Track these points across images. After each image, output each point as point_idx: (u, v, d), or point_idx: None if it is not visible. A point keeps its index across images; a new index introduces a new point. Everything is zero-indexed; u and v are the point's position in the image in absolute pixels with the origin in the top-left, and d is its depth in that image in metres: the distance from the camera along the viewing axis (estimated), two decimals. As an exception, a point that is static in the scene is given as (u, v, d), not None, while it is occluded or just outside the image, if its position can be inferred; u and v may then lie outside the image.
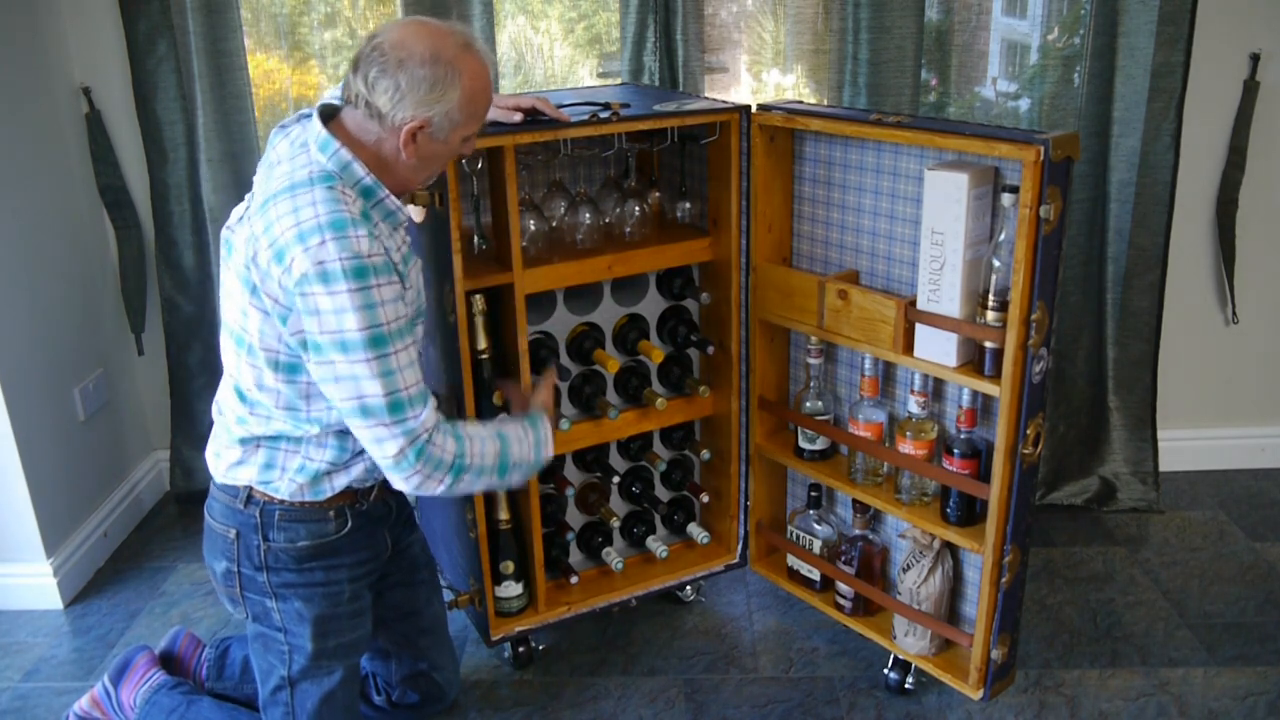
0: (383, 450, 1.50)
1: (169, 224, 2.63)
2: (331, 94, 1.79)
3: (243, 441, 1.62)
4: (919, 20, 2.42)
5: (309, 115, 1.57)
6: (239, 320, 1.55)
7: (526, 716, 2.07)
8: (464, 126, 1.53)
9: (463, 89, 1.48)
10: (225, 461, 1.65)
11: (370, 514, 1.71)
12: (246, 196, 1.59)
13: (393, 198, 1.55)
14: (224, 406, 1.65)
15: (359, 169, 1.51)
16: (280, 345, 1.51)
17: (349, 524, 1.67)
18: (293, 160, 1.52)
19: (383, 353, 1.45)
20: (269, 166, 1.56)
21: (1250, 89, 2.55)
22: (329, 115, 1.55)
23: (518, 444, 1.64)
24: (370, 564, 1.74)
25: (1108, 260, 2.59)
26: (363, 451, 1.63)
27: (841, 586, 2.15)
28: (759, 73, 2.68)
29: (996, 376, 1.74)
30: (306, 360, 1.49)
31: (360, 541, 1.70)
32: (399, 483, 1.54)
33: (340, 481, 1.63)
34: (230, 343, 1.59)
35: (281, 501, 1.62)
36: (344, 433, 1.60)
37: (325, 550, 1.66)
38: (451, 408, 1.92)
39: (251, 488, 1.62)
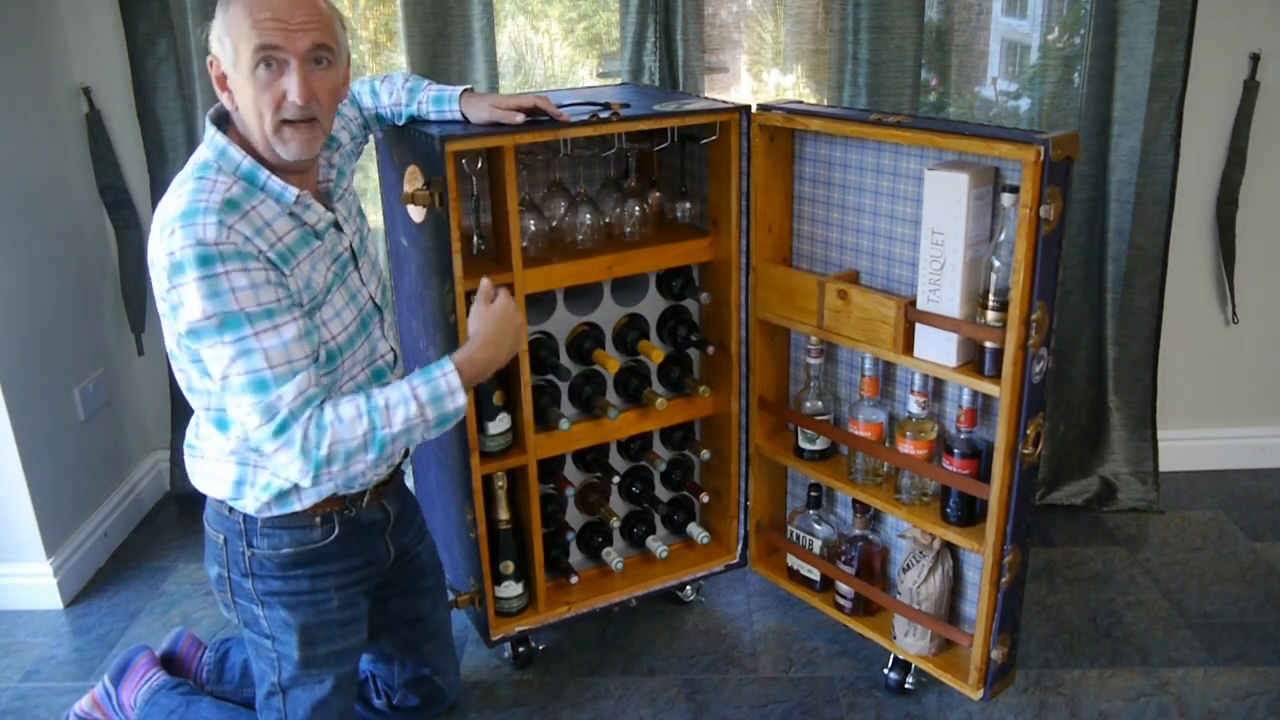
0: (249, 424, 1.43)
1: (169, 224, 2.62)
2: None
3: (204, 455, 1.60)
4: (919, 20, 2.42)
5: None
6: (165, 329, 1.53)
7: (526, 716, 2.07)
8: (240, 42, 1.41)
9: (233, 8, 1.42)
10: (198, 474, 1.63)
11: (361, 520, 1.68)
12: None
13: (276, 179, 1.48)
14: (196, 417, 1.64)
15: (235, 153, 1.47)
16: (182, 351, 1.49)
17: (336, 531, 1.64)
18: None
19: (238, 335, 1.39)
20: None
21: (1250, 89, 2.55)
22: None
23: (401, 408, 1.48)
24: (361, 572, 1.70)
25: (1108, 260, 2.59)
26: None
27: (841, 586, 2.15)
28: (759, 73, 2.68)
29: (996, 376, 1.74)
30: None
31: (350, 549, 1.67)
32: (269, 461, 1.46)
33: (309, 494, 1.59)
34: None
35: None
36: None
37: (310, 558, 1.63)
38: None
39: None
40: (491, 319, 1.61)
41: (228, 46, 1.43)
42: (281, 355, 1.42)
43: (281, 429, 1.42)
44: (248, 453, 1.55)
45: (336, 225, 1.59)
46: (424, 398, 1.50)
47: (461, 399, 1.53)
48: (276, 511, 1.59)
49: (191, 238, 1.37)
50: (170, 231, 1.39)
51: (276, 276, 1.44)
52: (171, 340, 1.51)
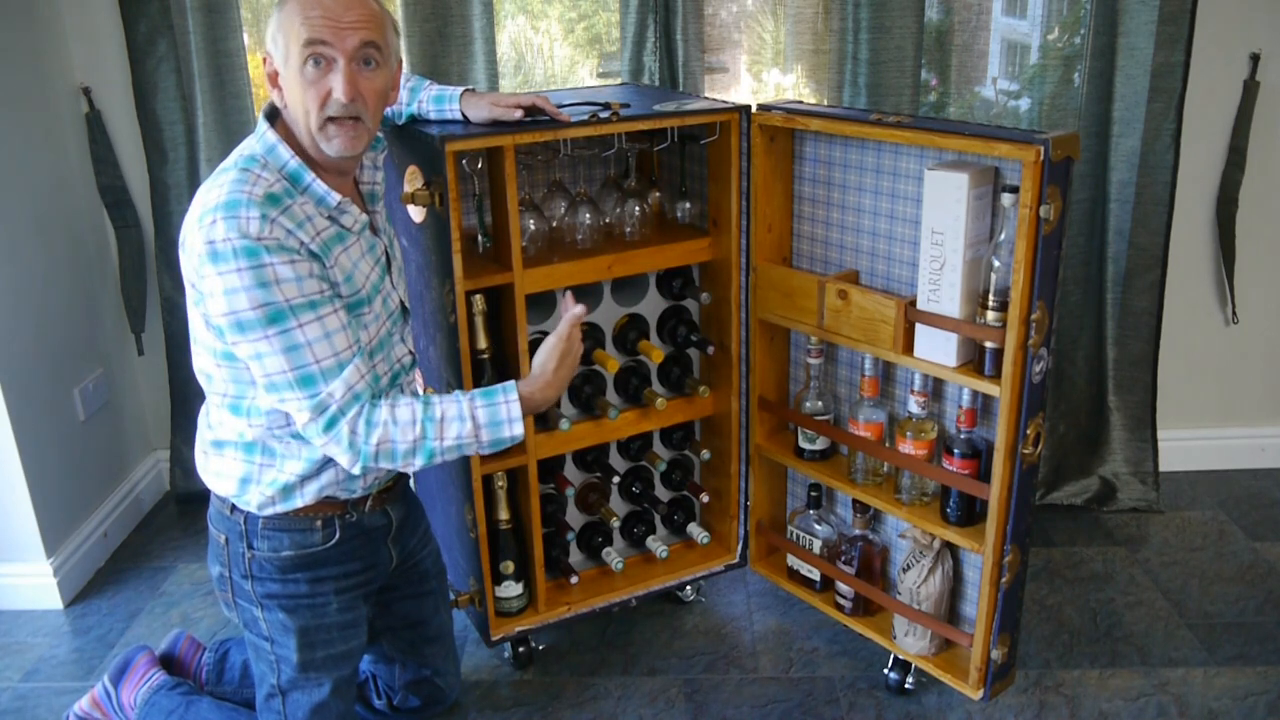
0: (298, 419, 1.48)
1: (169, 224, 2.63)
2: None
3: (217, 445, 1.60)
4: (919, 20, 2.42)
5: None
6: (188, 310, 1.54)
7: (526, 716, 2.07)
8: (291, 38, 1.44)
9: (288, 6, 1.45)
10: (206, 470, 1.64)
11: (363, 525, 1.67)
12: None
13: (321, 182, 1.50)
14: (207, 405, 1.65)
15: (284, 151, 1.48)
16: (209, 332, 1.49)
17: (337, 535, 1.63)
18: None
19: (284, 328, 1.41)
20: None
21: (1250, 89, 2.55)
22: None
23: (456, 424, 1.51)
24: (361, 576, 1.70)
25: (1108, 260, 2.59)
26: (332, 460, 1.59)
27: (841, 586, 2.15)
28: (759, 73, 2.68)
29: (996, 376, 1.74)
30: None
31: (350, 553, 1.66)
32: (323, 451, 1.51)
33: (310, 489, 1.59)
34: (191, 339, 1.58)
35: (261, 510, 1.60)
36: (301, 439, 1.57)
37: (309, 561, 1.63)
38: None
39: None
40: (568, 362, 1.61)
41: (280, 43, 1.46)
42: (327, 349, 1.44)
43: (330, 425, 1.46)
44: (267, 438, 1.55)
45: (373, 228, 1.61)
46: (481, 420, 1.53)
47: (519, 429, 1.55)
48: (280, 508, 1.59)
49: (235, 230, 1.38)
50: (212, 221, 1.39)
51: (319, 269, 1.46)
52: (199, 324, 1.50)
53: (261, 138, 1.50)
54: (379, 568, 1.74)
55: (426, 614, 1.88)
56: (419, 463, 1.52)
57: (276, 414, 1.54)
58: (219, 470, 1.61)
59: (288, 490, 1.58)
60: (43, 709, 2.13)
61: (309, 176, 1.50)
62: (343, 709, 1.74)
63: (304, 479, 1.58)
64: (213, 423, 1.61)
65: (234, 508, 1.61)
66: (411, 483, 2.48)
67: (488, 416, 1.53)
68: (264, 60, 1.50)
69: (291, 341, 1.42)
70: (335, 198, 1.51)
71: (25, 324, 2.36)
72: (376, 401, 1.50)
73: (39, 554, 2.41)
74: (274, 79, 1.50)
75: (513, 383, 1.57)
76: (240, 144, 1.55)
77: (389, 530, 1.74)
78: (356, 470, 1.50)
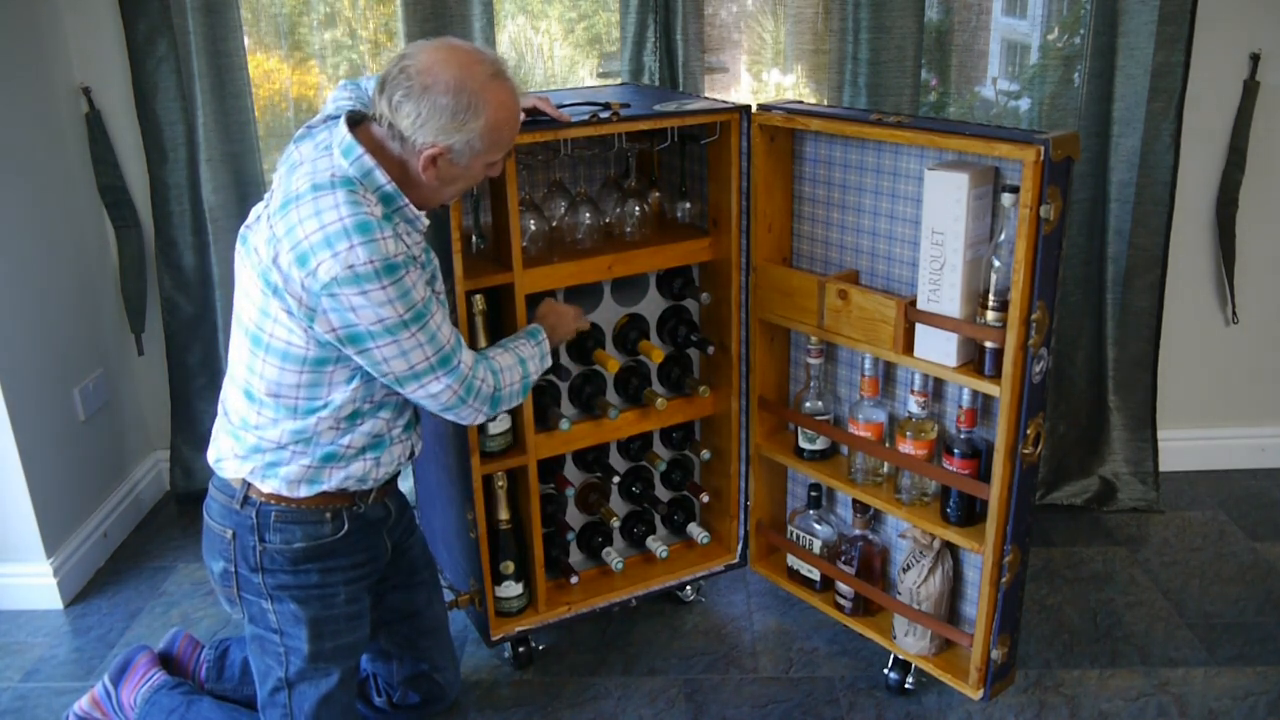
0: (439, 400, 1.60)
1: (169, 224, 2.63)
2: (335, 95, 1.80)
3: (249, 447, 1.61)
4: (919, 20, 2.42)
5: (336, 119, 1.59)
6: (257, 319, 1.55)
7: (526, 716, 2.07)
8: (487, 154, 1.57)
9: (486, 119, 1.52)
10: (228, 461, 1.65)
11: (367, 517, 1.71)
12: (265, 196, 1.60)
13: (412, 207, 1.57)
14: (229, 407, 1.65)
15: (380, 176, 1.53)
16: (307, 342, 1.53)
17: (345, 526, 1.67)
18: (314, 163, 1.54)
19: (424, 323, 1.53)
20: (291, 168, 1.58)
21: (1250, 89, 2.55)
22: (356, 122, 1.57)
23: (533, 362, 1.79)
24: (366, 567, 1.73)
25: (1108, 260, 2.59)
26: (365, 449, 1.64)
27: (841, 586, 2.15)
28: (759, 73, 2.68)
29: (996, 376, 1.74)
30: (344, 350, 1.53)
31: (357, 544, 1.70)
32: (454, 419, 1.66)
33: (337, 476, 1.62)
34: (245, 341, 1.58)
35: (278, 501, 1.62)
36: (348, 428, 1.61)
37: (321, 552, 1.65)
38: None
39: (250, 485, 1.62)
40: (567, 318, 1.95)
41: (479, 148, 1.55)
42: (449, 331, 1.61)
43: (470, 388, 1.63)
44: (323, 429, 1.60)
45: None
46: (539, 353, 1.83)
47: (550, 360, 1.86)
48: (303, 492, 1.61)
49: (377, 252, 1.47)
50: (349, 246, 1.46)
51: (424, 274, 1.59)
52: (282, 335, 1.53)
53: (357, 161, 1.52)
54: (379, 558, 1.77)
55: (419, 605, 1.90)
56: (521, 399, 1.77)
57: (344, 406, 1.59)
58: (244, 456, 1.62)
59: (317, 474, 1.62)
60: (43, 709, 2.13)
61: (402, 200, 1.56)
62: (347, 702, 1.76)
63: (334, 465, 1.62)
64: (254, 424, 1.61)
65: (245, 500, 1.62)
66: (410, 481, 2.49)
67: (540, 350, 1.83)
68: (435, 150, 1.52)
69: (431, 332, 1.55)
70: (425, 222, 1.61)
71: (25, 324, 2.36)
72: (478, 359, 1.68)
73: (39, 554, 2.41)
74: (433, 161, 1.53)
75: (537, 326, 1.87)
76: (311, 155, 1.56)
77: (387, 521, 1.77)
78: (480, 419, 1.69)
